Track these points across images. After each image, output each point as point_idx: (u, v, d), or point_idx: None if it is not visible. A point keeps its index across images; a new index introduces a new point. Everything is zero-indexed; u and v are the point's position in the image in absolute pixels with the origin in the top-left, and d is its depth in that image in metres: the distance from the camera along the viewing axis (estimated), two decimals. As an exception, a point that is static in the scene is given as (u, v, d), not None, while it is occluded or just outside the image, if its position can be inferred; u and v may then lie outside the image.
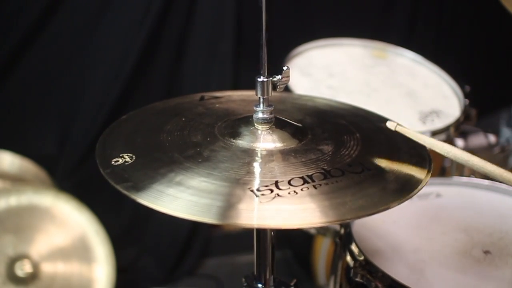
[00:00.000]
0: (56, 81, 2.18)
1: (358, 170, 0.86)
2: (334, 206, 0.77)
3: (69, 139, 2.20)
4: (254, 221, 0.75)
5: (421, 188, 0.85)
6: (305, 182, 0.81)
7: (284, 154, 0.88)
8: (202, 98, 1.09)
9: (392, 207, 0.79)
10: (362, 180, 0.83)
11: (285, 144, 0.91)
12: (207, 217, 0.75)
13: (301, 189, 0.80)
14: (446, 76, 1.86)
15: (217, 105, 1.07)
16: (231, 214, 0.75)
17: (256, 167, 0.85)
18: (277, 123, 0.94)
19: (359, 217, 0.77)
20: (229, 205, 0.77)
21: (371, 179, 0.84)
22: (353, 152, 0.91)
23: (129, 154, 0.87)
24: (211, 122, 0.97)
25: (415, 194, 0.83)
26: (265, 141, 0.91)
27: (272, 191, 0.79)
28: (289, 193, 0.79)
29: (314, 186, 0.81)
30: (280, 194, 0.79)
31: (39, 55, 2.11)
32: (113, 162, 0.85)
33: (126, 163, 0.85)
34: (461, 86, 1.79)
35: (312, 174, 0.83)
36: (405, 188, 0.84)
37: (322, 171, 0.84)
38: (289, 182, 0.81)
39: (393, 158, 0.92)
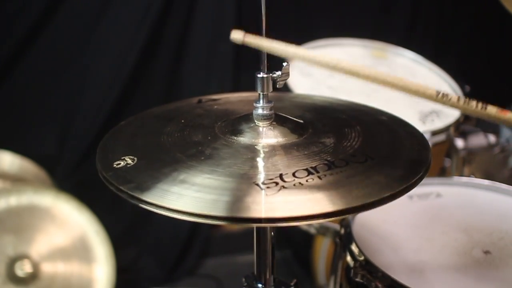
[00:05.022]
0: (56, 81, 2.18)
1: (362, 160, 0.86)
2: (340, 195, 0.78)
3: (69, 139, 2.20)
4: (263, 213, 0.75)
5: (426, 174, 0.85)
6: (309, 173, 0.82)
7: (286, 148, 0.89)
8: (199, 101, 1.10)
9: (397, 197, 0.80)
10: (367, 169, 0.84)
11: (286, 138, 0.91)
12: (214, 212, 0.75)
13: (306, 180, 0.80)
14: (446, 76, 1.86)
15: (215, 107, 1.07)
16: (239, 208, 0.75)
17: (259, 161, 0.85)
18: (277, 119, 0.94)
19: (366, 204, 0.77)
20: (236, 199, 0.77)
21: (375, 168, 0.85)
22: (355, 144, 0.91)
23: (131, 157, 0.87)
24: (211, 122, 0.97)
25: (420, 181, 0.83)
26: (267, 136, 0.91)
27: (277, 183, 0.79)
28: (294, 184, 0.79)
29: (319, 177, 0.81)
30: (285, 186, 0.79)
31: (39, 55, 2.11)
32: (115, 165, 0.85)
33: (128, 165, 0.85)
34: (461, 86, 1.79)
35: (316, 165, 0.84)
36: (410, 174, 0.84)
37: (326, 162, 0.85)
38: (293, 174, 0.81)
39: (395, 147, 0.93)
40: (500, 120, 0.83)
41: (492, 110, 0.81)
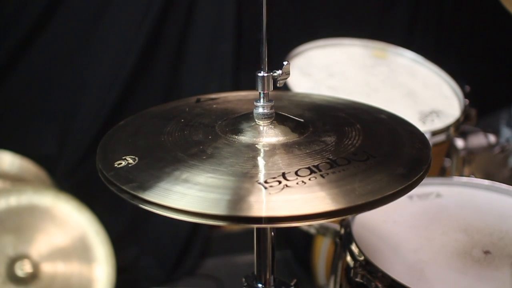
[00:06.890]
0: (56, 81, 2.18)
1: (364, 158, 0.86)
2: (343, 193, 0.78)
3: (69, 139, 2.20)
4: (264, 212, 0.75)
5: (428, 171, 0.85)
6: (312, 172, 0.82)
7: (288, 147, 0.89)
8: (198, 101, 1.10)
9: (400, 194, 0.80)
10: (368, 167, 0.84)
11: (287, 137, 0.91)
12: (217, 211, 0.75)
13: (309, 179, 0.80)
14: (446, 76, 1.86)
15: (214, 106, 1.07)
16: (241, 207, 0.75)
17: (261, 160, 0.86)
18: (277, 118, 0.94)
19: (369, 203, 0.77)
20: (238, 198, 0.77)
21: (377, 166, 0.85)
22: (356, 142, 0.91)
23: (132, 156, 0.87)
24: (211, 122, 0.98)
25: (422, 179, 0.84)
26: (268, 135, 0.91)
27: (280, 182, 0.79)
28: (297, 183, 0.79)
29: (322, 175, 0.81)
30: (288, 184, 0.79)
31: (39, 55, 2.11)
32: (116, 165, 0.85)
33: (130, 165, 0.85)
34: (461, 86, 1.79)
35: (318, 164, 0.84)
36: (411, 172, 0.84)
37: (328, 160, 0.85)
38: (296, 173, 0.82)
39: (396, 145, 0.93)
40: None
41: None
